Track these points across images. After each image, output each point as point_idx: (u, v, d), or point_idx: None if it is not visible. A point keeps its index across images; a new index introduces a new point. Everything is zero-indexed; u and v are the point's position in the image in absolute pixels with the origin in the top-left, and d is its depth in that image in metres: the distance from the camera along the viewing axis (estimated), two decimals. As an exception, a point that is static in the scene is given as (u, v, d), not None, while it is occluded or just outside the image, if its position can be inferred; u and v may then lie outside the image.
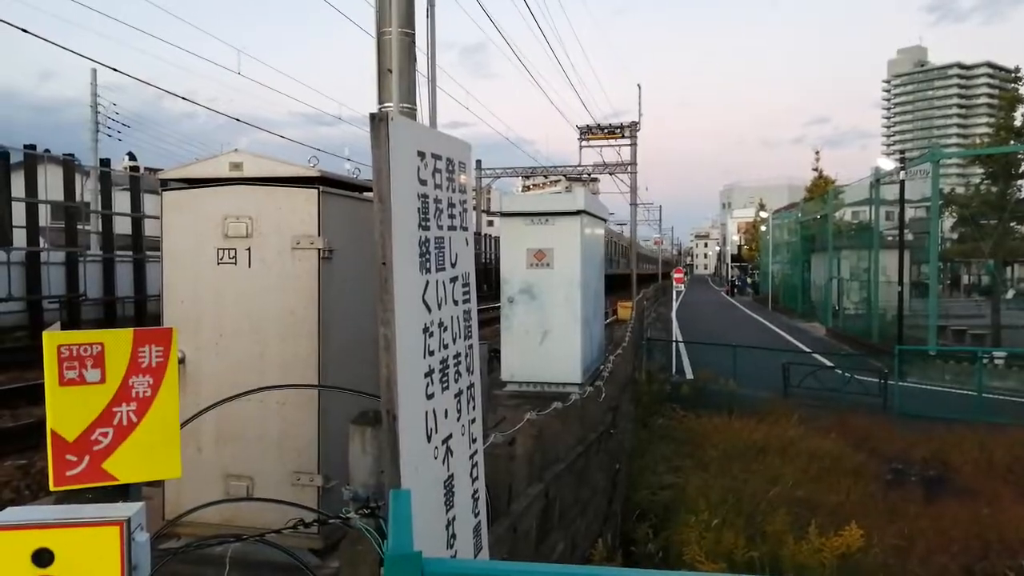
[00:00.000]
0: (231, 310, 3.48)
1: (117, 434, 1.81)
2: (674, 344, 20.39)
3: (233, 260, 3.48)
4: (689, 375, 18.20)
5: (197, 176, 3.63)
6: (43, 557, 1.42)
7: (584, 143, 32.30)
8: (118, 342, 1.82)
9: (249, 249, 3.47)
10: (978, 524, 8.61)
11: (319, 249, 3.39)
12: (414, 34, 4.48)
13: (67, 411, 1.79)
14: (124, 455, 1.81)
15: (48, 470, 1.78)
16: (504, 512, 4.57)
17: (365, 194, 3.79)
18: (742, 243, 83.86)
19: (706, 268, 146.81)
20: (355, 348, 3.59)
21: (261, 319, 3.45)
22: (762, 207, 70.69)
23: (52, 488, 1.79)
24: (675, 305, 23.44)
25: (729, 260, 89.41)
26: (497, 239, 22.63)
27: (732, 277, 71.90)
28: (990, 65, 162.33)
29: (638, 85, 29.74)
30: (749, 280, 66.79)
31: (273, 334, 3.44)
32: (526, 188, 64.03)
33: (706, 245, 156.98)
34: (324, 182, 3.53)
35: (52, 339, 1.79)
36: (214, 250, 3.50)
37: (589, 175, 35.15)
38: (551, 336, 8.41)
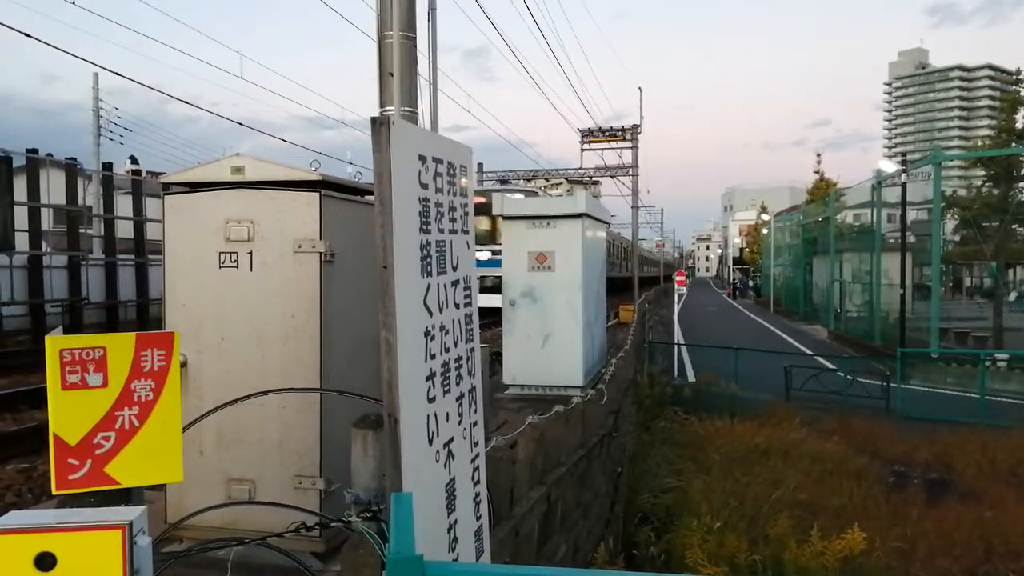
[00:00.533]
0: (233, 314, 3.48)
1: (119, 438, 1.82)
2: (676, 347, 20.38)
3: (235, 264, 3.48)
4: (691, 378, 18.19)
5: (199, 180, 3.64)
6: (45, 561, 1.42)
7: (585, 146, 32.33)
8: (120, 346, 1.82)
9: (251, 253, 3.47)
10: (981, 527, 8.59)
11: (321, 253, 3.40)
12: (415, 38, 4.48)
13: (69, 415, 1.80)
14: (126, 459, 1.81)
15: (50, 474, 1.78)
16: (506, 515, 4.57)
17: (367, 197, 3.79)
18: (744, 246, 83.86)
19: (708, 271, 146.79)
20: (357, 351, 3.59)
21: (263, 323, 3.45)
22: (764, 210, 70.75)
23: (54, 492, 1.80)
24: (677, 308, 23.41)
25: (731, 263, 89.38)
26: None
27: (734, 280, 71.89)
28: (991, 67, 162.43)
29: (639, 88, 29.77)
30: (751, 283, 66.78)
31: (275, 337, 3.44)
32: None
33: (708, 248, 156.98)
34: (326, 186, 3.53)
35: (54, 343, 1.79)
36: (216, 254, 3.50)
37: (591, 178, 35.16)
38: (553, 339, 8.41)
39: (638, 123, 30.90)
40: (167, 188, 3.69)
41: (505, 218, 8.70)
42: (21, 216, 15.29)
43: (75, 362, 1.81)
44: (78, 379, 1.82)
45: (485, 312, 8.01)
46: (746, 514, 8.80)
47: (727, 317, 38.45)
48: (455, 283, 2.83)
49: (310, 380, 3.35)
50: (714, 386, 16.31)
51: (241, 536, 2.42)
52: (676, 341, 21.04)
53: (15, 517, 1.51)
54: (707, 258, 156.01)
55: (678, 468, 11.03)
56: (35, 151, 16.14)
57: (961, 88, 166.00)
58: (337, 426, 3.27)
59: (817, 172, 54.13)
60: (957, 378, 16.88)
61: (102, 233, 18.75)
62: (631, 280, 29.99)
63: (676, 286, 24.20)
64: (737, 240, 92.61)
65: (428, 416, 2.46)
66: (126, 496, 1.85)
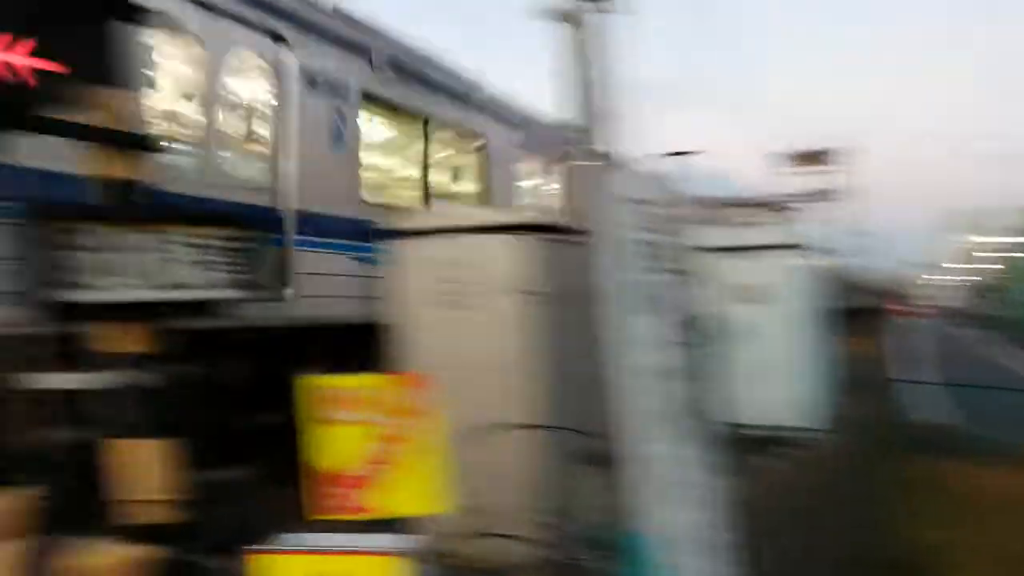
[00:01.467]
0: (453, 352, 3.69)
1: (376, 470, 1.96)
2: (917, 384, 18.38)
3: (454, 304, 3.73)
4: (939, 418, 16.29)
5: (418, 228, 3.98)
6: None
7: (787, 171, 30.76)
8: (375, 385, 1.98)
9: (468, 294, 3.71)
10: None
11: (534, 292, 3.54)
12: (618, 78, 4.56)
13: (327, 448, 1.96)
14: (384, 490, 1.94)
15: (306, 501, 1.94)
16: (741, 561, 4.33)
17: (574, 238, 3.91)
18: (981, 269, 74.96)
19: (942, 298, 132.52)
20: (579, 389, 3.65)
21: (482, 360, 3.63)
22: (1002, 230, 63.38)
23: (309, 518, 1.95)
24: (913, 340, 21.27)
25: (970, 289, 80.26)
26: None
27: (974, 307, 64.30)
28: None
29: (843, 110, 27.96)
30: (995, 310, 59.18)
31: (494, 375, 3.59)
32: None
33: (935, 274, 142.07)
34: (535, 228, 3.71)
35: (312, 383, 1.98)
36: (435, 295, 3.77)
37: (798, 204, 33.28)
38: (773, 376, 7.99)
39: (846, 145, 28.96)
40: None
41: (710, 250, 8.50)
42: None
43: (332, 400, 1.99)
44: (336, 415, 1.99)
45: None
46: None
47: (971, 350, 34.20)
48: (675, 322, 2.79)
49: (533, 416, 3.45)
50: (966, 428, 14.46)
51: (482, 568, 2.49)
52: (917, 377, 19.04)
53: (292, 539, 1.66)
54: (937, 283, 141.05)
55: (932, 517, 9.84)
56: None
57: None
58: (565, 463, 3.32)
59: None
60: None
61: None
62: (857, 311, 27.80)
63: (910, 316, 22.06)
64: (971, 265, 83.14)
65: (658, 456, 2.42)
66: (381, 525, 1.97)
